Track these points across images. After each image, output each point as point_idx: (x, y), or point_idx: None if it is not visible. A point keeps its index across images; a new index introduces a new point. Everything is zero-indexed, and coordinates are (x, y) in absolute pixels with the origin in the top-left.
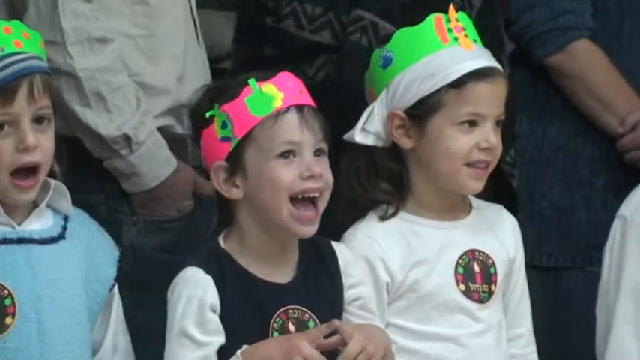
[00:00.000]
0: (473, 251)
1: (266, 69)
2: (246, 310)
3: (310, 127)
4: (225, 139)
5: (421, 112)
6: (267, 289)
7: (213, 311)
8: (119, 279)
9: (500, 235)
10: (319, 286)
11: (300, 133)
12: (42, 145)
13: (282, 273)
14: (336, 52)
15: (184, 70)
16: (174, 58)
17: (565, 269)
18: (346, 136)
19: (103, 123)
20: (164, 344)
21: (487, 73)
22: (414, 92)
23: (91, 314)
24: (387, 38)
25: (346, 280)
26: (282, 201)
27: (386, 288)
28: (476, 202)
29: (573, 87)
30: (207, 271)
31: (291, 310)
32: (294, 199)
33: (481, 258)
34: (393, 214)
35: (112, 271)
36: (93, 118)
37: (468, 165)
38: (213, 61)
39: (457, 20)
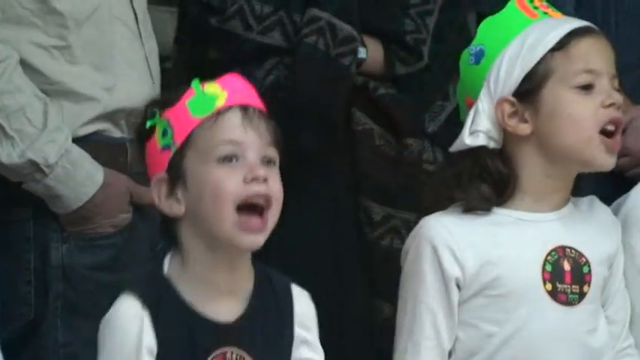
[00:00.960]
0: (563, 248)
1: (211, 72)
2: (181, 348)
3: (255, 127)
4: (166, 147)
5: (531, 85)
6: (207, 328)
7: (151, 353)
8: (49, 303)
9: (597, 233)
10: (267, 329)
11: (243, 132)
12: None
13: (228, 307)
14: (288, 54)
15: (115, 78)
16: (97, 69)
17: None
18: (453, 147)
19: (5, 152)
20: None
21: (588, 31)
22: (518, 70)
23: None
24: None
25: (300, 333)
26: (225, 210)
27: (456, 283)
28: (574, 199)
29: None
30: (144, 303)
31: (229, 353)
32: (239, 209)
33: (573, 255)
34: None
35: None
36: None
37: (600, 132)
38: None
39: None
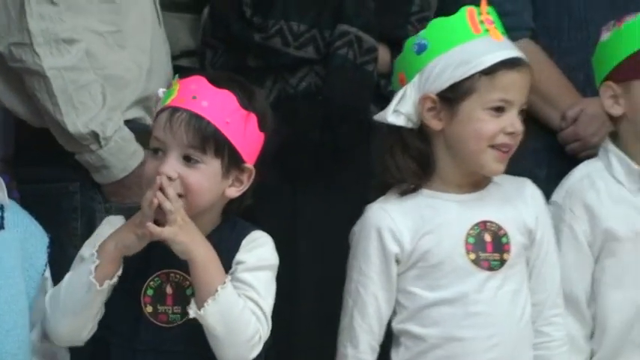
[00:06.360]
0: (485, 222)
1: (249, 77)
2: (136, 262)
3: (174, 132)
4: None
5: (454, 95)
6: (160, 250)
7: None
8: None
9: (517, 207)
10: None
11: (163, 134)
12: None
13: None
14: (318, 64)
15: (151, 62)
16: (141, 50)
17: None
18: (377, 117)
19: (70, 121)
20: None
21: (516, 63)
22: (447, 77)
23: (28, 300)
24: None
25: (237, 256)
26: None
27: (395, 258)
28: (499, 177)
29: None
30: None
31: (172, 274)
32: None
33: (493, 228)
34: (413, 190)
35: (44, 258)
36: (61, 115)
37: (492, 147)
38: None
39: (487, 13)
